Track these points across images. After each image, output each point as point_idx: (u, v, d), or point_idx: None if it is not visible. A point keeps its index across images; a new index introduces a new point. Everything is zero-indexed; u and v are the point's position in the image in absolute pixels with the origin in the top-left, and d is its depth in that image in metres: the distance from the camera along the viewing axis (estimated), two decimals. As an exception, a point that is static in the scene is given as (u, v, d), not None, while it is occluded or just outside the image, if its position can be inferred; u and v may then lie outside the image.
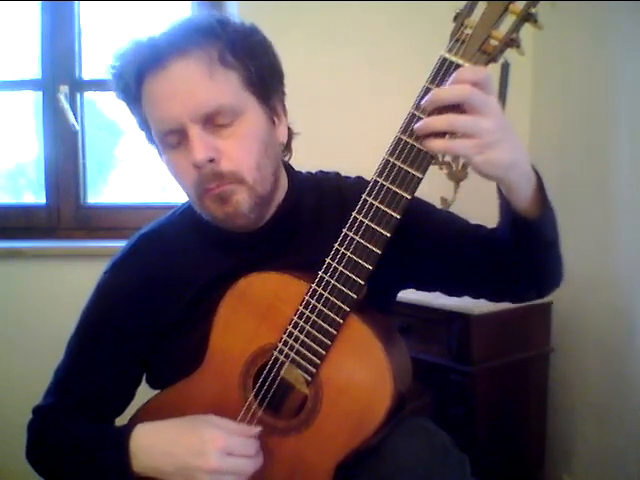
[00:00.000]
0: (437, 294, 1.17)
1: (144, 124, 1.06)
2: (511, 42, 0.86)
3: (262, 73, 1.02)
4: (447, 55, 0.87)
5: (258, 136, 1.02)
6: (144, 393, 1.15)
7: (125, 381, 1.14)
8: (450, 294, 1.15)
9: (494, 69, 0.92)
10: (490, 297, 1.13)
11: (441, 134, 0.84)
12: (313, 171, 1.18)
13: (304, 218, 1.09)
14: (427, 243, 1.07)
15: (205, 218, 1.05)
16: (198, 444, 0.97)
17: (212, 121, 0.98)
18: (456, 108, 0.84)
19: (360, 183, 0.93)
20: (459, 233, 1.08)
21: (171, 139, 1.00)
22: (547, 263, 0.99)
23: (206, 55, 0.97)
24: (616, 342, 1.74)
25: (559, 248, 1.00)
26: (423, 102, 0.85)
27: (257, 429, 1.00)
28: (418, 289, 1.18)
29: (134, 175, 2.40)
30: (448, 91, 0.84)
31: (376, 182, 0.92)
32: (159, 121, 1.01)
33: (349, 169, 1.18)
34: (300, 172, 1.15)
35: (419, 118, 0.87)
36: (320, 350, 0.96)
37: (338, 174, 1.18)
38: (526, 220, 0.91)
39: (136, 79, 1.00)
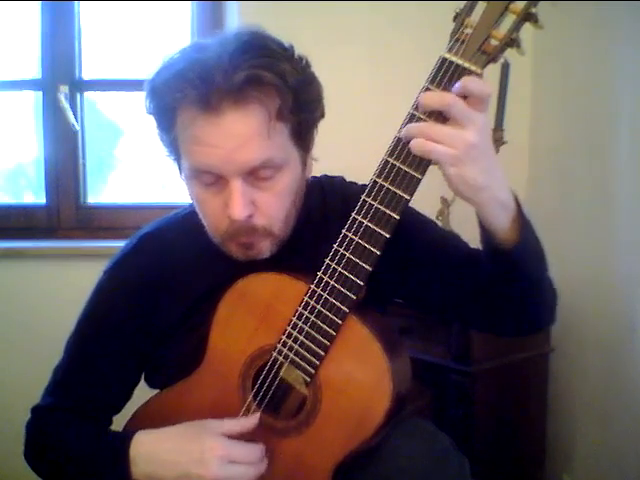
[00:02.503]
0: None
1: (171, 145, 1.01)
2: (511, 42, 0.86)
3: (310, 124, 1.00)
4: (447, 55, 0.87)
5: (292, 189, 1.01)
6: (144, 393, 1.15)
7: (124, 380, 1.13)
8: (441, 319, 1.13)
9: (494, 69, 0.92)
10: (477, 327, 1.11)
11: None
12: (317, 174, 1.17)
13: (309, 224, 1.09)
14: (422, 259, 1.06)
15: None
16: (199, 452, 0.96)
17: (255, 173, 0.96)
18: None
19: (364, 190, 0.93)
20: (454, 256, 1.05)
21: (206, 178, 0.97)
22: (529, 298, 0.96)
23: (265, 111, 0.93)
24: (616, 342, 1.73)
25: (544, 282, 0.97)
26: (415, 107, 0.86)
27: (256, 417, 0.99)
28: (410, 305, 1.16)
29: (134, 175, 2.40)
30: (430, 98, 0.85)
31: (375, 183, 0.92)
32: (198, 162, 0.96)
33: (349, 169, 1.18)
34: None
35: (419, 119, 0.87)
36: (319, 351, 0.96)
37: (343, 179, 1.17)
38: (501, 248, 0.89)
39: (177, 108, 0.95)
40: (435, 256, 1.06)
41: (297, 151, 1.00)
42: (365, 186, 1.10)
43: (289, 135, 0.97)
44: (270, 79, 0.92)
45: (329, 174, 1.18)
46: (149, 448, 1.00)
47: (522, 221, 0.90)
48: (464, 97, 0.84)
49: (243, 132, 0.93)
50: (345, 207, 1.01)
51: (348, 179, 1.18)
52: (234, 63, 0.90)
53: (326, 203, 1.12)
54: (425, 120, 0.87)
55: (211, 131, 0.93)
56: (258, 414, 1.00)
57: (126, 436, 1.03)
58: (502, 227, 0.88)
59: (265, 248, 1.01)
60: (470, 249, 1.07)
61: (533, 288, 0.95)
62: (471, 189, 0.84)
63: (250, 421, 0.99)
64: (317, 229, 1.08)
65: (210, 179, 0.97)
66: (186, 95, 0.92)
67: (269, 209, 0.98)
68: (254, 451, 0.98)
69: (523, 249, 0.90)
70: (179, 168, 1.03)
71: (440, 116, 0.85)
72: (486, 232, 0.90)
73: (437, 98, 0.84)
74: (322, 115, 1.03)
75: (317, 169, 1.16)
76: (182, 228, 1.12)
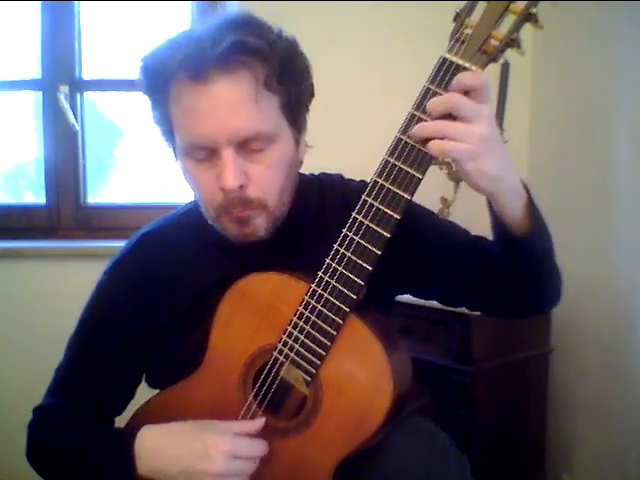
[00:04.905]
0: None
1: (165, 124, 1.02)
2: (511, 42, 0.86)
3: (299, 98, 1.01)
4: (447, 55, 0.87)
5: (285, 162, 1.01)
6: (144, 393, 1.15)
7: (125, 380, 1.13)
8: (446, 304, 1.15)
9: (494, 69, 0.92)
10: (484, 311, 1.12)
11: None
12: (316, 173, 1.17)
13: (307, 221, 1.09)
14: (424, 250, 1.07)
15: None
16: (202, 448, 0.96)
17: (246, 145, 0.96)
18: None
19: (363, 186, 0.93)
20: (457, 243, 1.07)
21: (198, 154, 0.98)
22: (539, 280, 0.99)
23: (253, 77, 0.94)
24: (616, 342, 1.73)
25: (553, 265, 0.99)
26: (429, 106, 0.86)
27: (261, 421, 0.99)
28: (414, 296, 1.18)
29: (134, 175, 2.40)
30: (436, 103, 0.85)
31: (376, 182, 0.92)
32: (191, 135, 0.96)
33: (349, 169, 1.18)
34: (303, 174, 1.14)
35: (419, 118, 0.88)
36: (320, 351, 0.96)
37: (341, 177, 1.17)
38: (516, 236, 0.91)
39: (168, 81, 0.96)
40: (440, 245, 1.07)
41: (288, 126, 1.01)
42: (363, 182, 1.11)
43: (279, 107, 0.98)
44: (257, 45, 0.93)
45: (328, 172, 1.18)
46: (153, 443, 1.01)
47: (532, 207, 0.92)
48: (465, 92, 0.85)
49: (233, 98, 0.94)
50: (345, 204, 1.01)
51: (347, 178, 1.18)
52: (222, 33, 0.92)
53: (325, 200, 1.12)
54: (426, 120, 0.87)
55: (201, 100, 0.94)
56: (263, 419, 1.00)
57: (130, 431, 1.03)
58: (517, 215, 0.90)
59: (260, 224, 1.00)
60: (472, 236, 1.09)
61: (544, 270, 0.98)
62: (490, 181, 0.85)
63: (254, 425, 0.99)
64: (316, 227, 1.08)
65: (202, 154, 0.97)
66: (176, 66, 0.93)
67: (262, 181, 0.98)
68: (257, 446, 0.98)
69: (536, 234, 0.92)
70: (173, 149, 1.04)
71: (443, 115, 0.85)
72: (499, 221, 0.91)
73: (443, 101, 0.84)
74: (312, 94, 1.04)
75: (317, 168, 1.17)
76: (180, 226, 1.12)
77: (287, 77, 0.97)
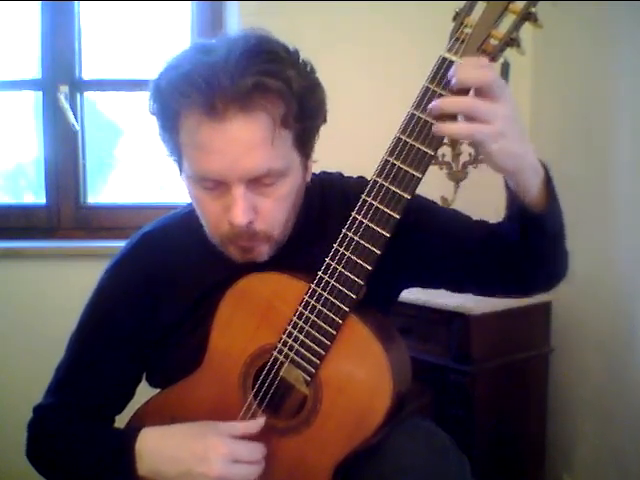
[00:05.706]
0: (437, 293, 1.17)
1: (173, 147, 1.00)
2: (511, 41, 0.86)
3: (313, 130, 1.00)
4: (447, 55, 0.87)
5: (293, 194, 1.00)
6: (144, 393, 1.15)
7: (125, 380, 1.13)
8: (455, 291, 1.15)
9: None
10: (496, 292, 1.12)
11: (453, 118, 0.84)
12: (316, 172, 1.17)
13: (309, 221, 1.08)
14: (431, 241, 1.07)
15: None
16: (202, 450, 0.96)
17: (257, 181, 0.95)
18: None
19: (362, 183, 0.93)
20: (463, 229, 1.07)
21: (207, 184, 0.97)
22: (553, 255, 0.99)
23: (270, 119, 0.92)
24: (616, 342, 1.74)
25: (565, 240, 1.00)
26: (452, 82, 0.84)
27: (261, 420, 0.99)
28: (423, 287, 1.18)
29: (134, 175, 2.40)
30: (474, 73, 0.83)
31: (375, 182, 0.92)
32: (201, 168, 0.95)
33: (349, 169, 1.18)
34: None
35: (419, 118, 0.88)
36: (319, 350, 0.96)
37: (341, 175, 1.17)
38: (534, 213, 0.90)
39: (180, 113, 0.94)
40: (445, 232, 1.07)
41: (299, 157, 1.00)
42: (362, 179, 1.11)
43: (292, 142, 0.97)
44: (276, 86, 0.91)
45: (328, 171, 1.18)
46: (154, 444, 1.01)
47: (549, 183, 0.91)
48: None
49: (248, 139, 0.92)
50: (345, 201, 1.01)
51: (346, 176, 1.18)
52: (241, 68, 0.89)
53: (325, 201, 1.11)
54: (426, 119, 0.87)
55: (216, 137, 0.92)
56: (263, 418, 1.00)
57: (132, 431, 1.03)
58: (535, 191, 0.89)
59: (264, 251, 1.01)
60: (475, 220, 1.09)
61: (558, 246, 0.98)
62: (513, 160, 0.85)
63: (255, 424, 0.99)
64: (316, 227, 1.08)
65: (211, 184, 0.96)
66: (191, 99, 0.91)
67: (270, 214, 0.98)
68: (257, 450, 0.98)
69: (552, 211, 0.91)
70: (179, 168, 1.03)
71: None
72: (517, 200, 0.91)
73: (482, 74, 0.83)
74: (324, 120, 1.03)
75: (316, 168, 1.17)
76: (182, 227, 1.12)
77: (304, 113, 0.95)
